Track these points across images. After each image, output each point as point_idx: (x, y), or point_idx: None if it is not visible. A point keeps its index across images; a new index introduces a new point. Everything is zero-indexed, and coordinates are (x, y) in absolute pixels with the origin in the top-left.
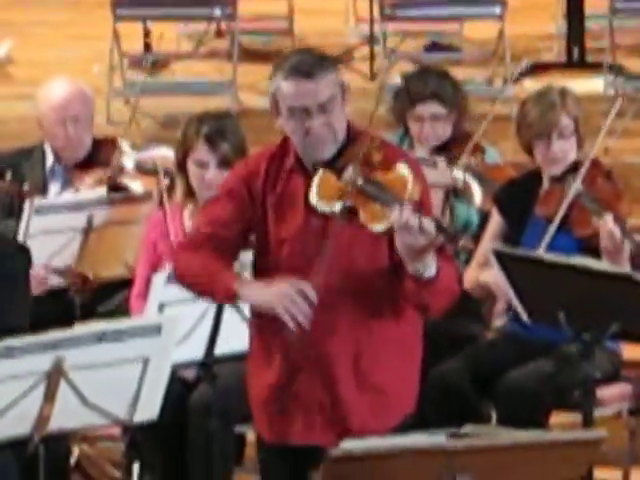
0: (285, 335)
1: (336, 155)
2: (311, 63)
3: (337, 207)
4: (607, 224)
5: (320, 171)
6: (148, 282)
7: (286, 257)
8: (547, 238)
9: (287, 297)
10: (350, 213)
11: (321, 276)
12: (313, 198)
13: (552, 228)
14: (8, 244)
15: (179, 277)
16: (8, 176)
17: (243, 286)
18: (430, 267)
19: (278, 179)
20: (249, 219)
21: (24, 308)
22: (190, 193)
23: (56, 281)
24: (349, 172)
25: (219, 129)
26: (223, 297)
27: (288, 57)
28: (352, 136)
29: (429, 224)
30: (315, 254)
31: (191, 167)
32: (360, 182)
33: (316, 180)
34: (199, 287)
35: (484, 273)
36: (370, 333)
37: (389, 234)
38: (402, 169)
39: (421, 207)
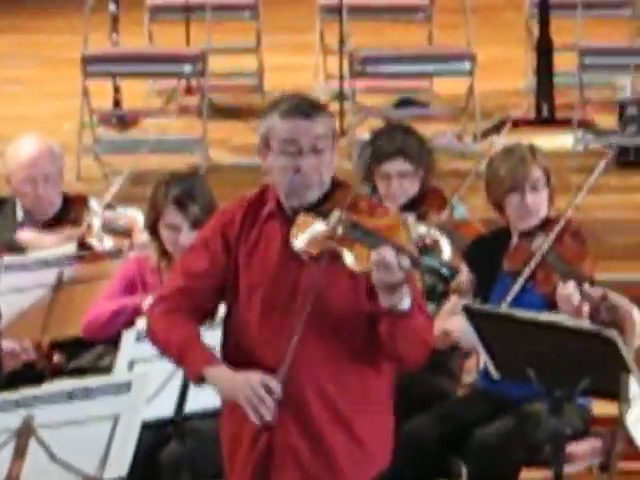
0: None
1: (320, 200)
2: (309, 104)
3: (319, 250)
4: (565, 289)
5: (302, 215)
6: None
7: (257, 304)
8: (512, 294)
9: (253, 391)
10: (332, 257)
11: (289, 364)
12: (294, 241)
13: (517, 285)
14: None
15: (151, 338)
16: None
17: (211, 372)
18: (404, 300)
19: (254, 226)
20: (223, 271)
21: None
22: (164, 253)
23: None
24: (335, 216)
25: (188, 191)
26: (191, 375)
27: (283, 99)
28: (336, 185)
29: (406, 261)
30: (287, 301)
31: (164, 231)
32: (346, 226)
33: (298, 223)
34: (169, 356)
35: (449, 321)
36: (346, 382)
37: (369, 275)
38: (389, 213)
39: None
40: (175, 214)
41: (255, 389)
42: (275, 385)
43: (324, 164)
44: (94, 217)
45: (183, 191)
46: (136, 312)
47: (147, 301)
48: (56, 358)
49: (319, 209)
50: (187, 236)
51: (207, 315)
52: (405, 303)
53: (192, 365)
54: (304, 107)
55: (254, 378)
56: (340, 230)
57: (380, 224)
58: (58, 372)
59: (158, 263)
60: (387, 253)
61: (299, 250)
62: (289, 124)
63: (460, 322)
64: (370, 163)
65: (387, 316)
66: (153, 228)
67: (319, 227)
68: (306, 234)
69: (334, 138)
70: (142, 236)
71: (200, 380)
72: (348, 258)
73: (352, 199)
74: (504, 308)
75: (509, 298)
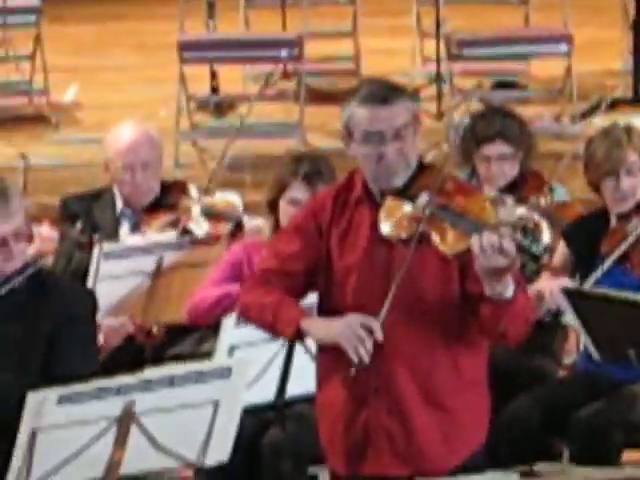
0: (348, 368)
1: (407, 183)
2: (386, 90)
3: (409, 233)
4: None
5: (390, 199)
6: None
7: (351, 288)
8: (597, 274)
9: (352, 332)
10: (422, 240)
11: (388, 309)
12: (383, 226)
13: (605, 265)
14: (76, 288)
15: (244, 311)
16: (79, 225)
17: (309, 321)
18: (508, 288)
19: (344, 212)
20: (316, 254)
21: (93, 352)
22: (277, 231)
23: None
24: (423, 198)
25: (317, 168)
26: (288, 332)
27: (362, 86)
28: (422, 167)
29: (509, 245)
30: (380, 285)
31: (283, 206)
32: (435, 208)
33: (386, 208)
34: (263, 321)
35: (539, 282)
36: (437, 361)
37: (462, 259)
38: (479, 194)
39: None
40: (303, 189)
41: (355, 329)
42: (376, 326)
43: (408, 147)
44: (193, 203)
45: (313, 168)
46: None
47: None
48: (155, 329)
49: (406, 192)
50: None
51: (299, 294)
52: (509, 291)
53: (287, 320)
54: (382, 93)
55: (354, 319)
56: (428, 212)
57: (469, 205)
58: (157, 344)
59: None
60: (490, 238)
61: (387, 234)
62: (368, 112)
63: (550, 283)
64: (469, 146)
65: (490, 302)
66: (273, 203)
67: (407, 210)
68: (394, 218)
69: (416, 120)
70: (250, 220)
71: (297, 334)
72: (438, 240)
73: (440, 181)
74: (601, 289)
75: (595, 277)
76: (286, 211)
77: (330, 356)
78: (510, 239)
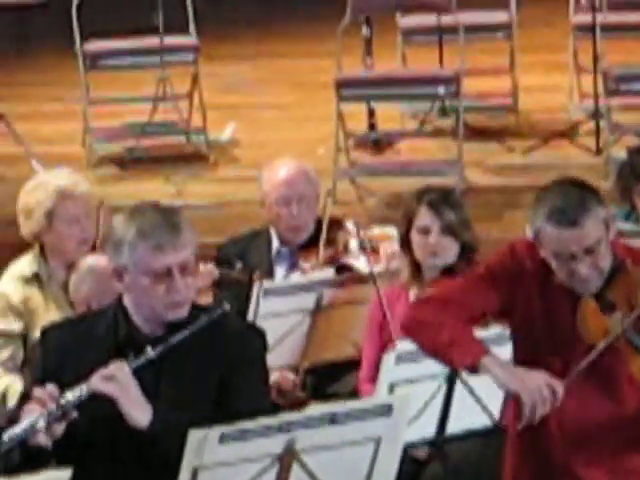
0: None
1: (603, 288)
2: (575, 208)
3: (602, 344)
4: None
5: (586, 301)
6: (375, 365)
7: (545, 350)
8: None
9: (538, 390)
10: (616, 351)
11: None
12: (579, 326)
13: None
14: (249, 329)
15: (414, 327)
16: (238, 266)
17: (492, 360)
18: None
19: (546, 284)
20: (502, 307)
21: (266, 392)
22: (416, 273)
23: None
24: (617, 317)
25: (442, 196)
26: (464, 360)
27: (550, 193)
28: (617, 263)
29: None
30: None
31: (415, 238)
32: (627, 332)
33: (582, 310)
34: (435, 340)
35: None
36: (631, 469)
37: None
38: None
39: None
40: (427, 216)
41: (541, 389)
42: (560, 391)
43: (601, 260)
44: (350, 238)
45: (437, 195)
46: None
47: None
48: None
49: (602, 299)
50: (436, 239)
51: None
52: None
53: (468, 349)
54: (572, 213)
55: (542, 377)
56: (619, 333)
57: None
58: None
59: (407, 285)
60: None
61: (584, 336)
62: (557, 233)
63: None
64: (628, 182)
65: None
66: (405, 239)
67: (600, 318)
68: (589, 323)
69: (607, 228)
70: (393, 262)
71: (472, 367)
72: (628, 360)
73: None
74: None
75: None
76: (418, 242)
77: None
78: None
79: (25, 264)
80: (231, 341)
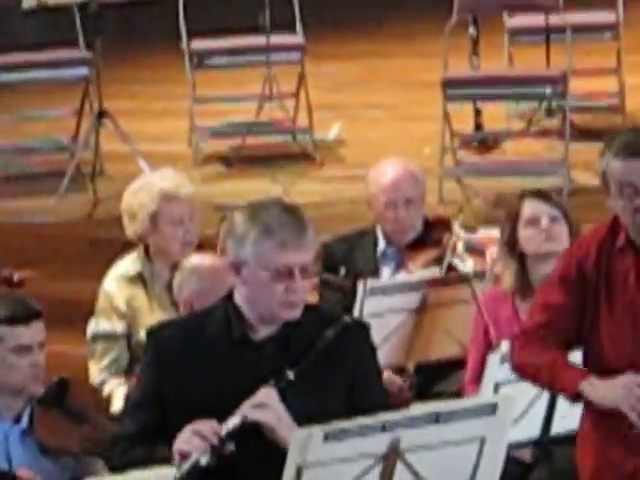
0: (631, 434)
1: None
2: None
3: None
4: None
5: None
6: (480, 367)
7: (624, 345)
8: None
9: (632, 394)
10: None
11: None
12: None
13: None
14: (359, 324)
15: (518, 369)
16: (342, 271)
17: (587, 384)
18: None
19: (609, 259)
20: (583, 304)
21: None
22: (521, 277)
23: None
24: None
25: (544, 191)
26: (565, 394)
27: (618, 136)
28: None
29: None
30: None
31: (524, 233)
32: None
33: None
34: (539, 381)
35: None
36: None
37: None
38: None
39: None
40: (534, 205)
41: (632, 389)
42: None
43: None
44: (457, 239)
45: (540, 190)
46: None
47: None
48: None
49: None
50: (548, 224)
51: (570, 347)
52: None
53: (567, 384)
54: (636, 145)
55: (630, 380)
56: None
57: None
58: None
59: (513, 288)
60: None
61: None
62: (622, 164)
63: None
64: None
65: None
66: (510, 243)
67: None
68: None
69: None
70: (497, 265)
71: (577, 397)
72: None
73: None
74: None
75: None
76: (529, 235)
77: (601, 417)
78: None
79: (129, 263)
80: (349, 342)
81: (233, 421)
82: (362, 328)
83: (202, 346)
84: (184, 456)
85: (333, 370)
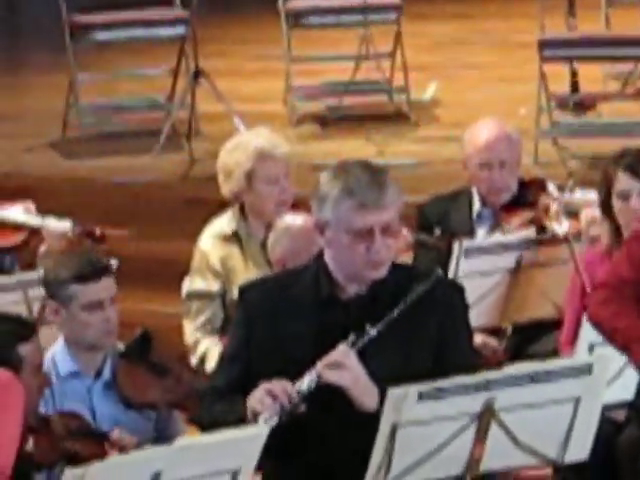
0: None
1: None
2: None
3: None
4: None
5: None
6: (576, 327)
7: None
8: None
9: None
10: None
11: None
12: None
13: None
14: (451, 284)
15: (594, 322)
16: (437, 232)
17: None
18: None
19: None
20: None
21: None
22: (617, 238)
23: None
24: None
25: (637, 167)
26: (636, 366)
27: None
28: None
29: None
30: None
31: (616, 203)
32: None
33: None
34: (613, 343)
35: None
36: None
37: None
38: None
39: None
40: (626, 179)
41: None
42: None
43: None
44: (552, 200)
45: (635, 158)
46: None
47: None
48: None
49: None
50: (637, 203)
51: None
52: None
53: (638, 357)
54: None
55: None
56: None
57: None
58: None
59: (609, 249)
60: None
61: None
62: None
63: None
64: None
65: None
66: (606, 204)
67: None
68: None
69: None
70: (593, 227)
71: None
72: None
73: None
74: None
75: None
76: (620, 208)
77: None
78: None
79: (225, 222)
80: (440, 301)
81: (307, 382)
82: (455, 287)
83: (290, 304)
84: (256, 415)
85: (420, 327)
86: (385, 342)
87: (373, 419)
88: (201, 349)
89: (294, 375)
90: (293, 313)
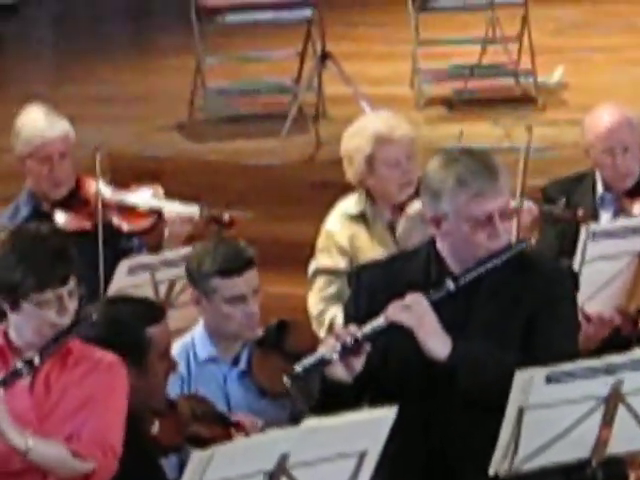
0: None
1: None
2: None
3: None
4: None
5: None
6: None
7: None
8: None
9: None
10: None
11: None
12: None
13: None
14: (558, 268)
15: None
16: (561, 203)
17: None
18: None
19: None
20: None
21: (574, 332)
22: None
23: None
24: None
25: None
26: None
27: None
28: None
29: None
30: None
31: None
32: None
33: None
34: None
35: None
36: None
37: None
38: None
39: None
40: None
41: None
42: None
43: None
44: None
45: None
46: None
47: None
48: None
49: None
50: None
51: None
52: None
53: None
54: None
55: None
56: None
57: None
58: None
59: None
60: None
61: None
62: None
63: None
64: None
65: None
66: None
67: None
68: None
69: None
70: None
71: None
72: None
73: None
74: None
75: None
76: None
77: None
78: None
79: (352, 203)
80: (541, 279)
81: (374, 322)
82: (567, 273)
83: (400, 286)
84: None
85: (518, 299)
86: (484, 311)
87: (476, 402)
88: (328, 317)
89: (400, 357)
90: (400, 295)
